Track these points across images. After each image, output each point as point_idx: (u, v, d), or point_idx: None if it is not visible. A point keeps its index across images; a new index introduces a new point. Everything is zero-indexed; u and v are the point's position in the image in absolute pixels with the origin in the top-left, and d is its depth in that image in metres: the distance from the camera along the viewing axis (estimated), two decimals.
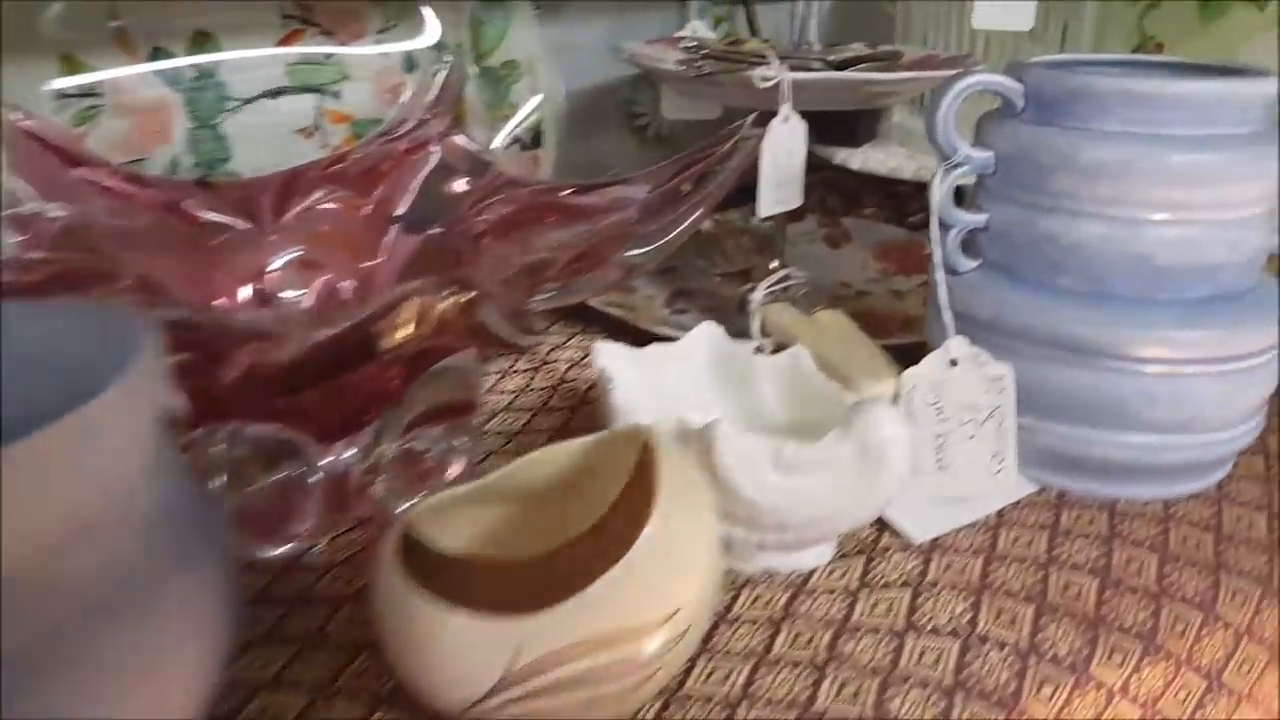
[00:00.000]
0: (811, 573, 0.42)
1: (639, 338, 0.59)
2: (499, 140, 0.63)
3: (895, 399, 0.47)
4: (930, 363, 0.47)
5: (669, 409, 0.46)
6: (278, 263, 0.50)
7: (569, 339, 0.63)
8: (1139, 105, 0.42)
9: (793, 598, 0.41)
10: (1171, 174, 0.42)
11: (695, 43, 0.53)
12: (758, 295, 0.57)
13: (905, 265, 0.72)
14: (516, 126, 0.67)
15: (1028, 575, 0.42)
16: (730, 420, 0.46)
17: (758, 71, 0.52)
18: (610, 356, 0.45)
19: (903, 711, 0.35)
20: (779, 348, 0.54)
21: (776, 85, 0.54)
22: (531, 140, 0.69)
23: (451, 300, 0.31)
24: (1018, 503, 0.46)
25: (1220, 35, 0.77)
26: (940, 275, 0.47)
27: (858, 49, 0.68)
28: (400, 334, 0.31)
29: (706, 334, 0.47)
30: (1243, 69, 0.46)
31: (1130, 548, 0.44)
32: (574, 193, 0.51)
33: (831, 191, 0.83)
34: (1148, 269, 0.44)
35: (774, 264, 0.64)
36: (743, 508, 0.40)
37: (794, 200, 0.55)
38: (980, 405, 0.46)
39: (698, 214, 0.46)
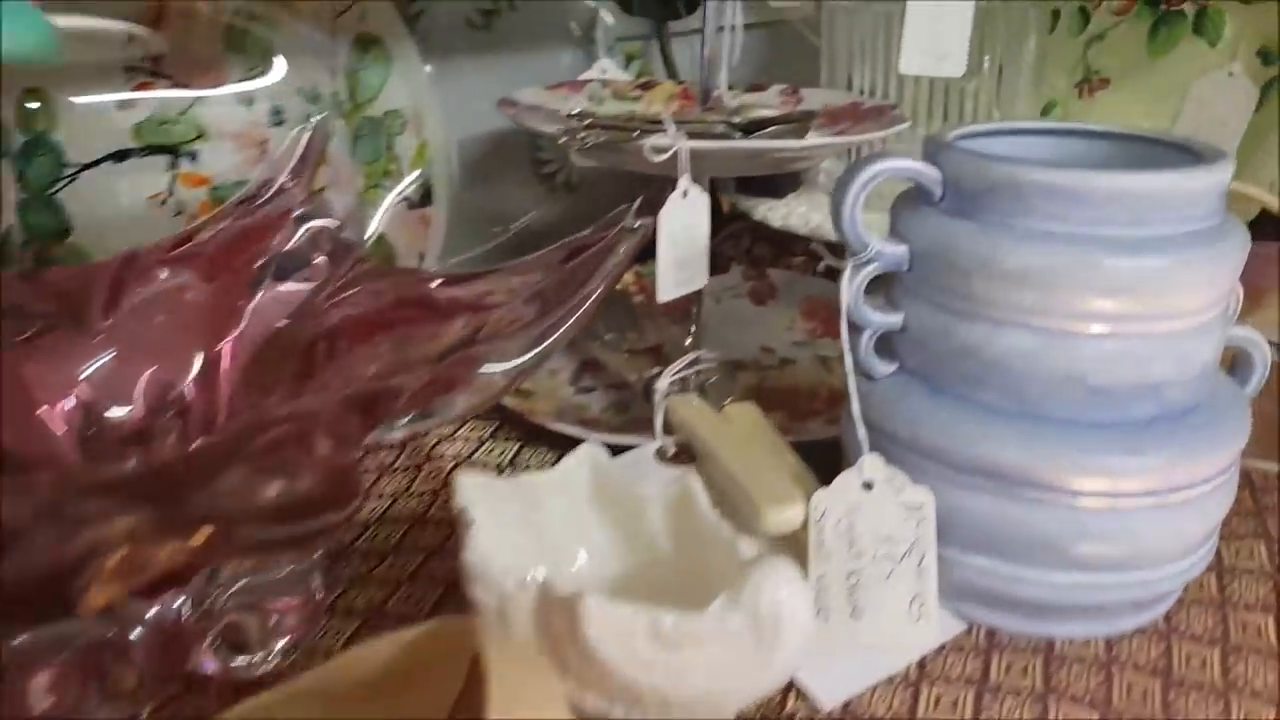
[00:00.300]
0: None
1: (535, 432, 0.54)
2: (374, 223, 0.56)
3: (804, 526, 0.41)
4: (842, 485, 0.41)
5: (544, 551, 0.40)
6: (91, 368, 0.44)
7: (457, 430, 0.56)
8: (1069, 201, 0.37)
9: None
10: (1108, 281, 0.37)
11: (582, 110, 0.46)
12: (663, 384, 0.51)
13: (833, 326, 0.67)
14: (394, 200, 0.60)
15: None
16: (617, 561, 0.41)
17: (650, 142, 0.46)
18: (472, 492, 0.39)
19: None
20: (682, 450, 0.48)
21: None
22: (420, 197, 0.63)
23: (181, 544, 0.25)
24: (943, 647, 0.41)
25: (1168, 71, 0.72)
26: (852, 384, 0.42)
27: (771, 100, 0.63)
28: (101, 594, 0.24)
29: (588, 459, 0.41)
30: (1189, 145, 0.41)
31: (1068, 704, 0.38)
32: (443, 284, 0.45)
33: (759, 239, 0.77)
34: (1082, 388, 0.38)
35: (688, 340, 0.58)
36: (619, 687, 0.34)
37: (698, 280, 0.49)
38: (898, 538, 0.40)
39: (576, 317, 0.40)
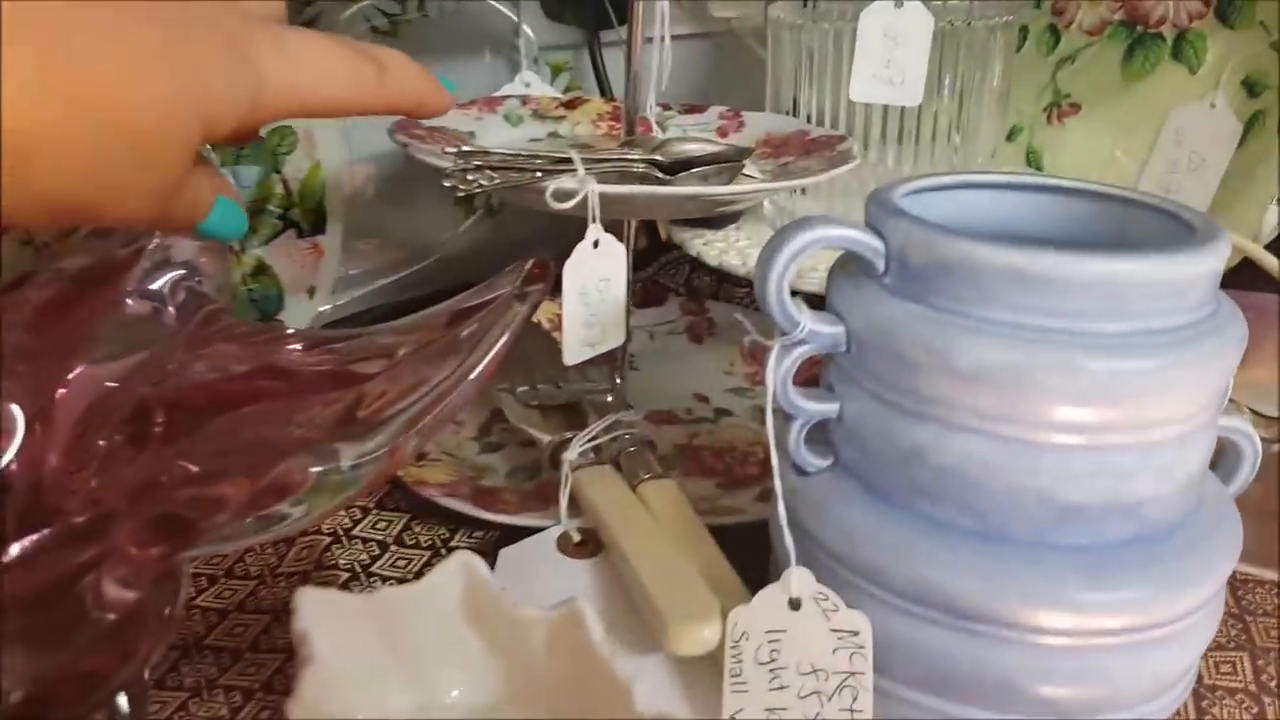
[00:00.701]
0: None
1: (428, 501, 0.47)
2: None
3: (719, 648, 0.35)
4: (764, 602, 0.35)
5: (411, 678, 0.34)
6: None
7: None
8: (1037, 289, 0.31)
9: None
10: (1082, 385, 0.30)
11: (470, 149, 0.40)
12: (571, 453, 0.45)
13: None
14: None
15: None
16: (497, 688, 0.35)
17: (553, 187, 0.39)
18: (317, 612, 0.32)
19: None
20: (589, 537, 0.42)
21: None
22: (310, 225, 0.56)
23: None
24: None
25: (1144, 98, 0.66)
26: (779, 485, 0.35)
27: (709, 123, 0.56)
28: None
29: (460, 571, 0.35)
30: (1177, 213, 0.35)
31: None
32: (305, 349, 0.39)
33: (700, 268, 0.70)
34: (1049, 506, 0.32)
35: (609, 397, 0.51)
36: None
37: (613, 338, 0.43)
38: (829, 670, 0.34)
39: (447, 403, 0.33)
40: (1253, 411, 0.51)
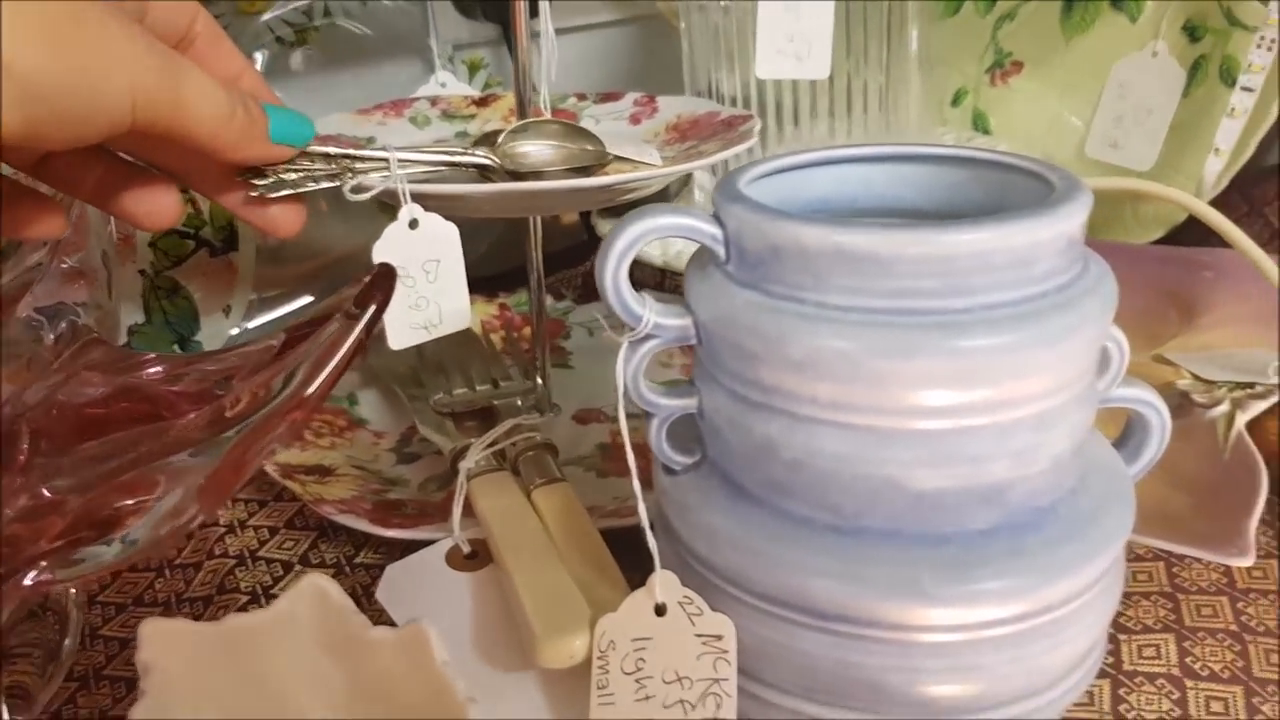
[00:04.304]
0: None
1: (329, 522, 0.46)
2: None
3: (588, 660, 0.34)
4: (631, 609, 0.34)
5: (266, 709, 0.33)
6: None
7: (248, 518, 0.49)
8: (869, 269, 0.29)
9: None
10: (922, 368, 0.29)
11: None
12: (468, 461, 0.44)
13: None
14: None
15: None
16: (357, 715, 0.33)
17: (353, 183, 0.38)
18: (162, 644, 0.32)
19: None
20: (477, 548, 0.41)
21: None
22: (222, 242, 0.55)
23: None
24: None
25: (1086, 52, 0.64)
26: (636, 486, 0.34)
27: (624, 110, 0.55)
28: None
29: (312, 595, 0.33)
30: (1045, 174, 0.33)
31: None
32: (163, 377, 0.38)
33: (640, 261, 0.69)
34: (901, 495, 0.30)
35: (526, 398, 0.50)
36: None
37: (452, 323, 0.42)
38: (693, 676, 0.33)
39: (282, 429, 0.32)
40: (1194, 376, 0.49)
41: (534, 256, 0.52)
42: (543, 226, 0.53)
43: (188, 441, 0.33)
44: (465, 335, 0.60)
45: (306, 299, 0.59)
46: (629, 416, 0.34)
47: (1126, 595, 0.42)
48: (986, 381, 0.29)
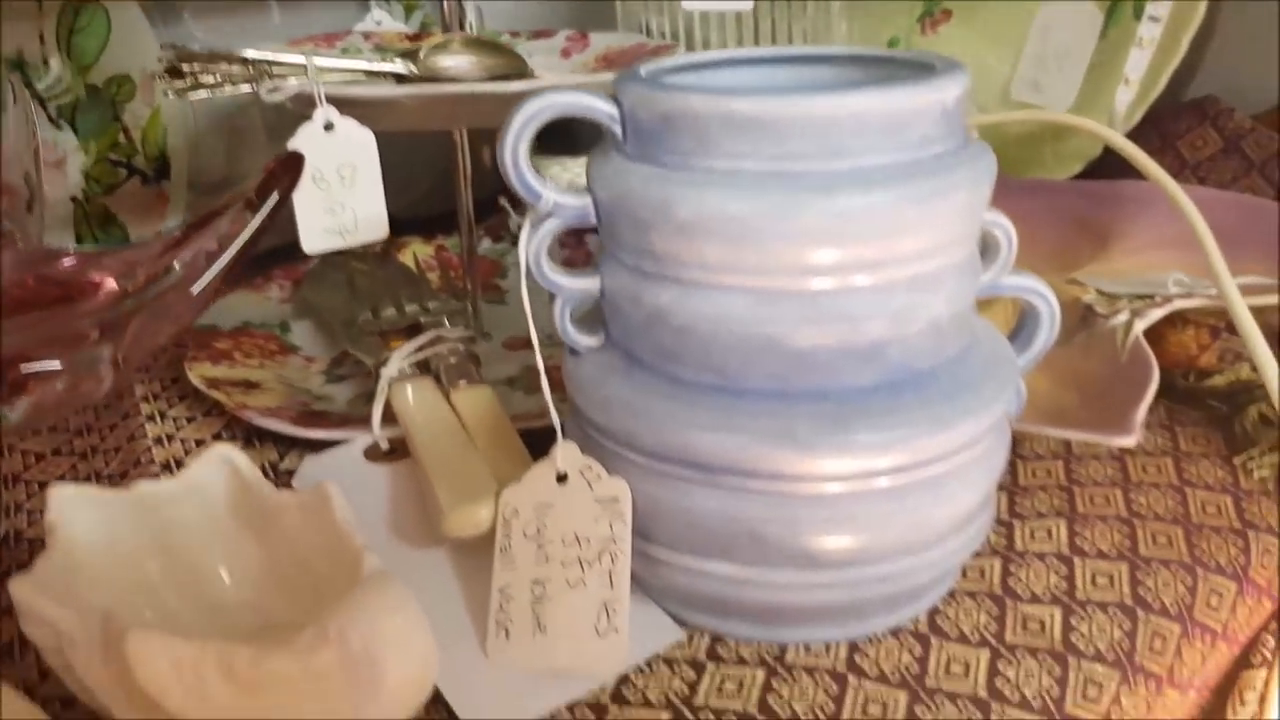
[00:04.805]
0: None
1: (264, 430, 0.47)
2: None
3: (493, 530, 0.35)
4: (534, 479, 0.35)
5: (174, 574, 0.34)
6: None
7: (177, 431, 0.50)
8: (752, 133, 0.31)
9: None
10: (799, 226, 0.30)
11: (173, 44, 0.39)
12: (390, 368, 0.45)
13: None
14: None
15: None
16: (265, 580, 0.35)
17: (270, 84, 0.39)
18: (70, 506, 0.33)
19: None
20: (395, 446, 0.42)
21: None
22: (155, 172, 0.56)
23: None
24: (652, 661, 0.35)
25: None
26: (539, 360, 0.36)
27: (556, 46, 0.56)
28: None
29: (221, 463, 0.35)
30: (931, 63, 0.35)
31: None
32: (76, 267, 0.39)
33: None
34: (782, 354, 0.32)
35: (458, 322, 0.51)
36: None
37: (372, 232, 0.43)
38: (591, 538, 0.34)
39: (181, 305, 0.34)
40: (1098, 291, 0.50)
41: (462, 187, 0.53)
42: (482, 173, 0.54)
43: (92, 314, 0.34)
44: (399, 268, 0.61)
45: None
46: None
47: (1022, 489, 0.44)
48: (862, 240, 0.31)
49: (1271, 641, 0.42)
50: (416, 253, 0.65)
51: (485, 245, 0.67)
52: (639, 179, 0.32)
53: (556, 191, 0.34)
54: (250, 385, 0.49)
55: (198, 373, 0.49)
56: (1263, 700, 0.42)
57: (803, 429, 0.31)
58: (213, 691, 0.27)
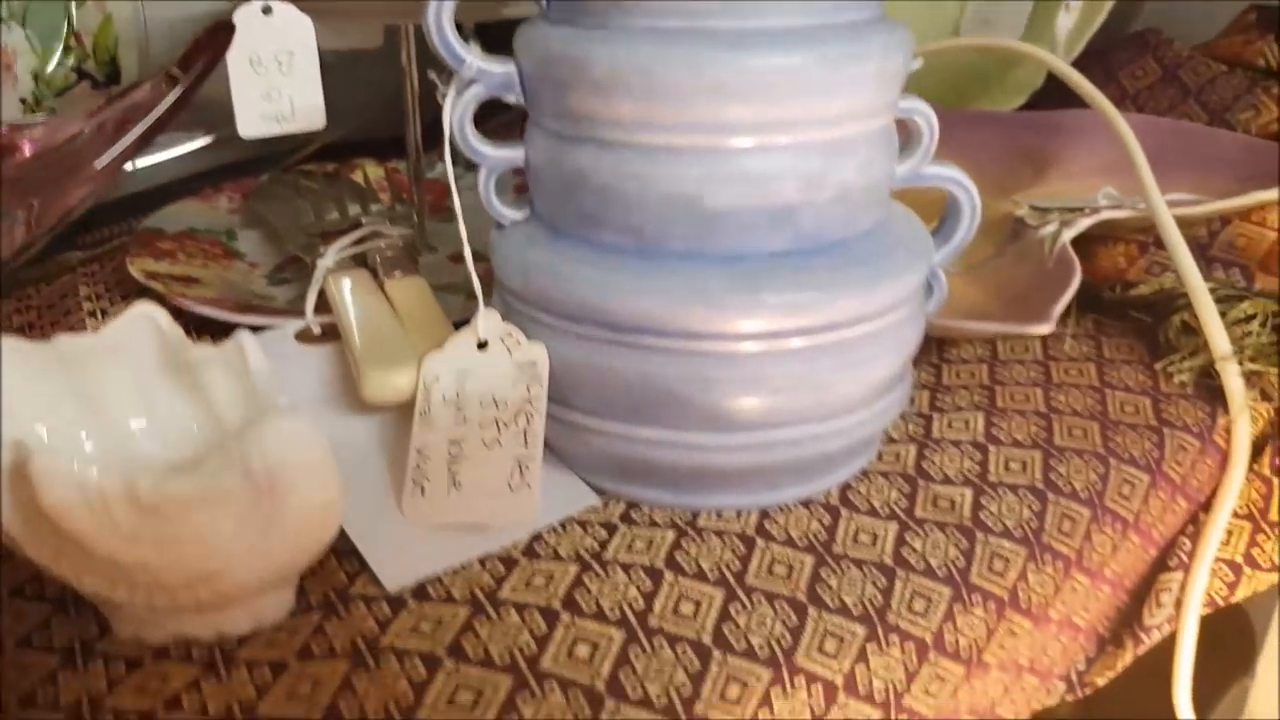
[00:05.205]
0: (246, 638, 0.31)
1: (203, 323, 0.47)
2: None
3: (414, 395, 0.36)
4: (455, 346, 0.36)
5: (96, 428, 0.35)
6: None
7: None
8: None
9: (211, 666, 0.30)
10: (710, 84, 0.31)
11: None
12: (326, 259, 0.45)
13: None
14: None
15: (525, 635, 0.31)
16: (186, 435, 0.35)
17: None
18: None
19: None
20: (327, 330, 0.42)
21: None
22: (106, 76, 0.56)
23: None
24: (566, 523, 0.35)
25: None
26: (463, 230, 0.36)
27: None
28: None
29: (145, 320, 0.35)
30: None
31: (688, 580, 0.33)
32: (7, 134, 0.39)
33: None
34: (697, 215, 0.33)
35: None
36: (104, 565, 0.28)
37: (309, 120, 0.43)
38: (507, 401, 0.35)
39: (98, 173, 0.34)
40: (1031, 207, 0.51)
41: (411, 105, 0.54)
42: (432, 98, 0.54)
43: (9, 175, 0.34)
44: (349, 183, 0.62)
45: (202, 139, 0.60)
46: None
47: (945, 388, 0.45)
48: (772, 99, 0.31)
49: (1189, 544, 0.43)
50: (369, 173, 0.65)
51: (439, 169, 0.68)
52: (558, 40, 0.33)
53: (480, 58, 0.35)
54: (191, 280, 0.49)
55: (139, 267, 0.49)
56: (1179, 605, 0.43)
57: (715, 288, 0.32)
58: (119, 518, 0.28)
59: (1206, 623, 0.42)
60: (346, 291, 0.43)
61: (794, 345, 0.33)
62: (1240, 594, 0.45)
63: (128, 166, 0.57)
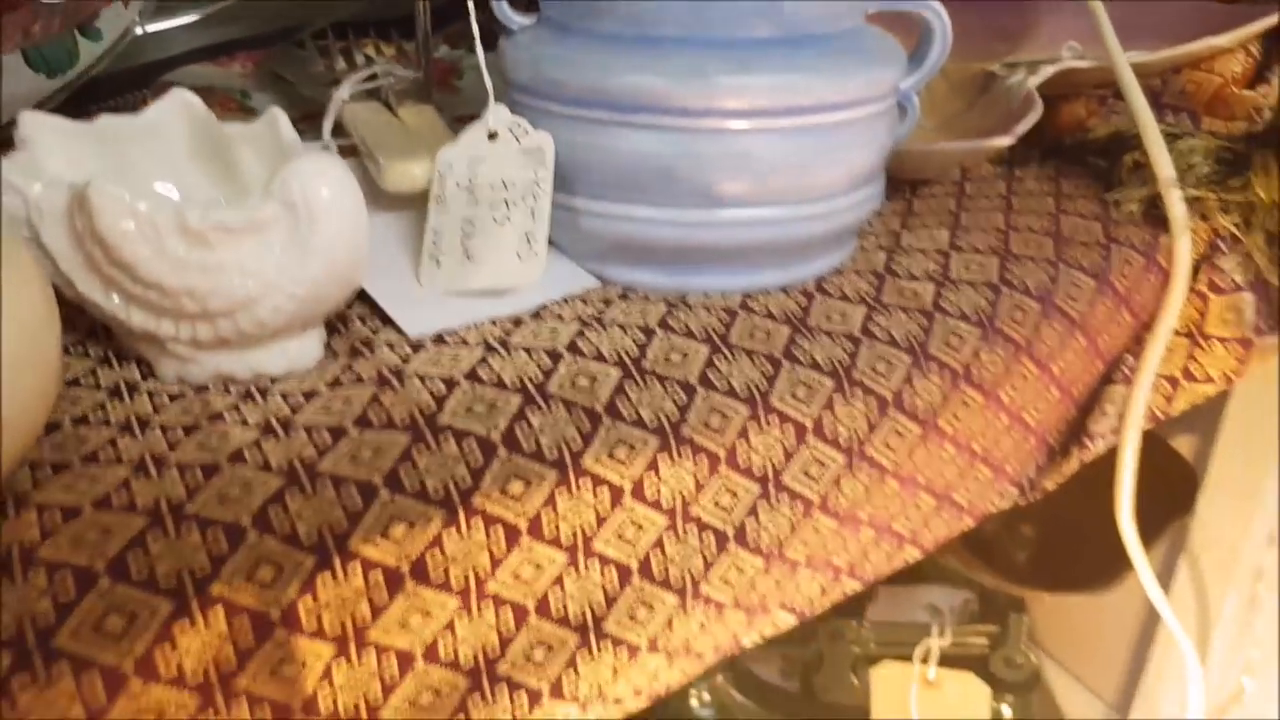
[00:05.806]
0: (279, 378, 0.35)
1: None
2: None
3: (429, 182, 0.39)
4: (468, 138, 0.39)
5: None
6: None
7: None
8: None
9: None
10: None
11: None
12: (343, 91, 0.49)
13: None
14: None
15: (532, 368, 0.34)
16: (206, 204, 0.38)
17: None
18: (38, 130, 0.36)
19: None
20: (346, 152, 0.46)
21: None
22: None
23: None
24: (568, 298, 0.39)
25: None
26: (475, 29, 0.39)
27: None
28: None
29: (182, 106, 0.38)
30: None
31: (678, 337, 0.37)
32: None
33: None
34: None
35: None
36: (152, 292, 0.32)
37: None
38: (517, 183, 0.39)
39: None
40: (1001, 64, 0.55)
41: None
42: None
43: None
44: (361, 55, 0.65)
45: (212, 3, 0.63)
46: None
47: (915, 213, 0.48)
48: None
49: (1132, 360, 0.47)
50: (380, 49, 0.68)
51: (444, 51, 0.71)
52: None
53: None
54: None
55: None
56: (1122, 417, 0.47)
57: (709, 68, 0.36)
58: (169, 244, 0.31)
59: (1147, 464, 0.46)
60: (362, 116, 0.47)
61: (779, 124, 0.36)
62: (1178, 406, 0.49)
63: (138, 31, 0.60)
